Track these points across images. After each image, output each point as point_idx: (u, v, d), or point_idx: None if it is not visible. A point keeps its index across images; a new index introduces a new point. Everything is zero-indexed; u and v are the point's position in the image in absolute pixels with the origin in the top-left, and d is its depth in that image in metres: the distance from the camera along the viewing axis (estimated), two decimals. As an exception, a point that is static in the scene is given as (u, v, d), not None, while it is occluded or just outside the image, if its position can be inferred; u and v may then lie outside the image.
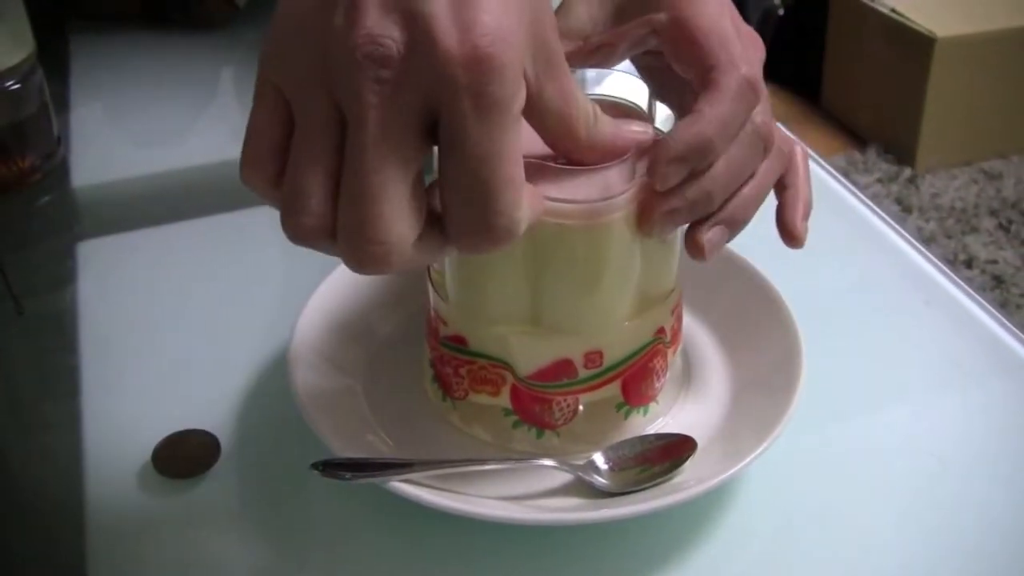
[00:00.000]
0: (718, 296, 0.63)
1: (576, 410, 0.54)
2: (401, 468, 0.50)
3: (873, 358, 0.65)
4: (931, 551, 0.53)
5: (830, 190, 0.81)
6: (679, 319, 0.57)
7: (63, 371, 0.65)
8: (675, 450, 0.53)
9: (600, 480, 0.52)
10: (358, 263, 0.40)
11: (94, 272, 0.73)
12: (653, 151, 0.47)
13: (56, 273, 0.74)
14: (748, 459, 0.50)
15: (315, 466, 0.50)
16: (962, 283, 0.70)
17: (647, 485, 0.52)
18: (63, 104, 0.92)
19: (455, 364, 0.55)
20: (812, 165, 0.81)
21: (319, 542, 0.53)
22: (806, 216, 0.57)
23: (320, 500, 0.54)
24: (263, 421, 0.59)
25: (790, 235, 0.56)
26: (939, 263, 0.72)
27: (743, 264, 0.63)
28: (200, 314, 0.68)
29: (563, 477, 0.53)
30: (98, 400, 0.62)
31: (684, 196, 0.48)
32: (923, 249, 0.73)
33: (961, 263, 2.29)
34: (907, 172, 2.57)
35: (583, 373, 0.53)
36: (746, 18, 0.68)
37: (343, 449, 0.51)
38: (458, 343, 0.54)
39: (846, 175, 0.78)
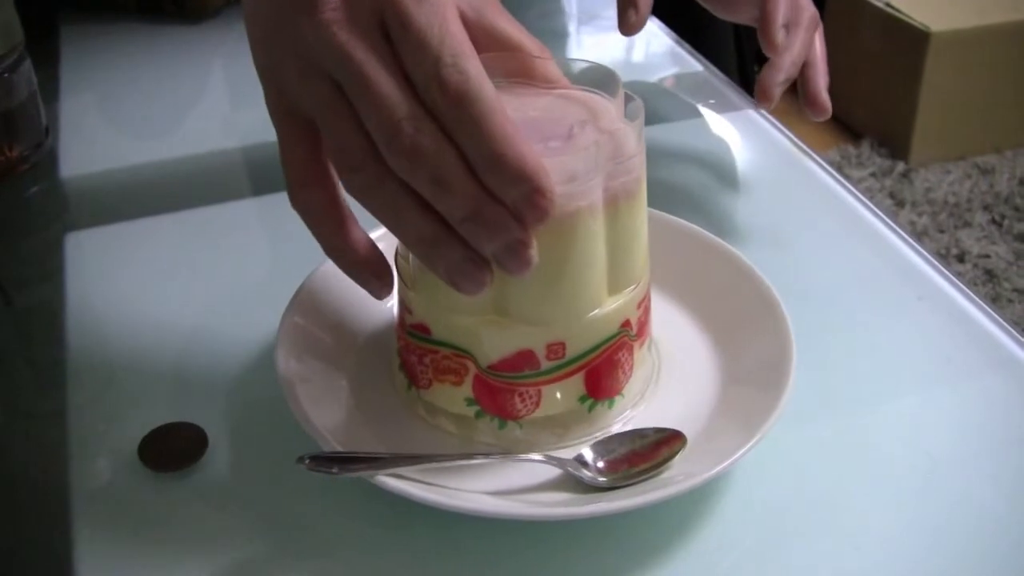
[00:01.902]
0: (707, 289, 0.63)
1: (539, 401, 0.53)
2: (388, 462, 0.50)
3: (864, 353, 0.64)
4: (922, 546, 0.52)
5: (823, 184, 0.80)
6: (646, 312, 0.56)
7: (49, 362, 0.65)
8: (664, 445, 0.53)
9: (589, 475, 0.52)
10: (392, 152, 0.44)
11: (82, 263, 0.73)
12: (769, 74, 0.71)
13: (44, 264, 0.74)
14: (738, 454, 0.50)
15: (302, 460, 0.50)
16: (954, 278, 0.70)
17: (636, 480, 0.51)
18: (52, 94, 0.92)
19: (419, 353, 0.54)
20: (806, 160, 0.82)
21: (306, 535, 0.52)
22: (826, 87, 0.74)
23: (307, 493, 0.54)
24: (250, 414, 0.59)
25: (820, 107, 0.73)
26: (931, 258, 0.72)
27: (733, 257, 0.63)
28: (188, 306, 0.68)
29: (551, 472, 0.53)
30: (84, 392, 0.61)
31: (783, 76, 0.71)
32: (915, 244, 0.73)
33: (953, 257, 2.30)
34: (900, 166, 2.58)
35: (546, 364, 0.52)
36: None
37: (329, 443, 0.51)
38: (422, 332, 0.54)
39: (839, 169, 0.78)
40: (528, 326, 0.52)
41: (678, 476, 0.51)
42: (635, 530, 0.52)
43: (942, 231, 2.38)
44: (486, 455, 0.53)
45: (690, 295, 0.63)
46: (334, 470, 0.50)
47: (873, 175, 2.56)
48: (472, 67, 0.43)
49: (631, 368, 0.55)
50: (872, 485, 0.56)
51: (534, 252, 0.44)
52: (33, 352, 0.67)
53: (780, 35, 0.72)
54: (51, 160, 0.83)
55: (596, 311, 0.52)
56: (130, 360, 0.64)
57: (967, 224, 2.40)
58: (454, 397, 0.54)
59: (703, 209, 0.77)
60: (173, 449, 0.56)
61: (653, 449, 0.53)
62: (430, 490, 0.49)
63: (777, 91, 0.72)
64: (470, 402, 0.54)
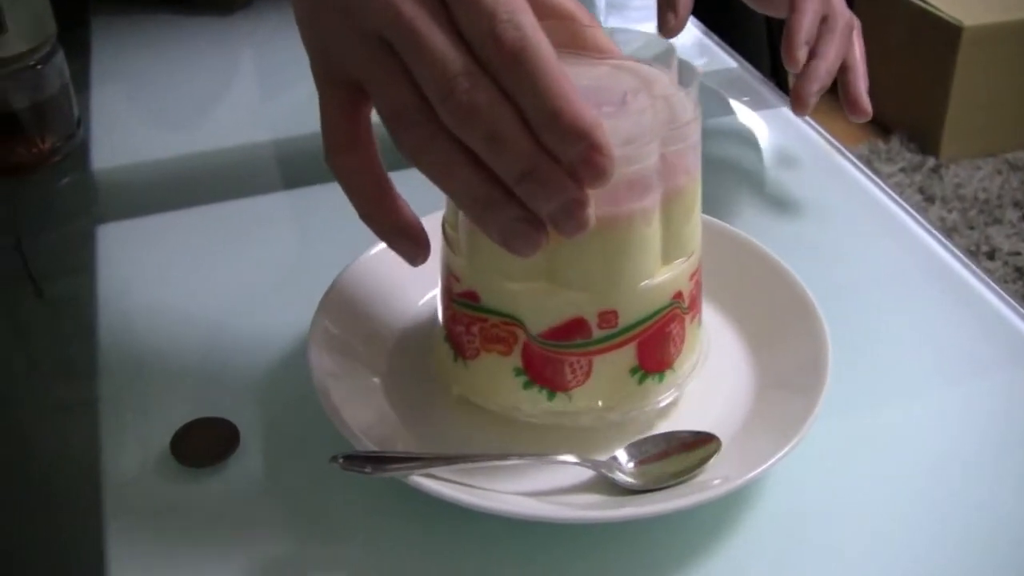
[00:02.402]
0: (742, 290, 0.62)
1: (589, 372, 0.53)
2: (422, 462, 0.50)
3: (893, 351, 0.64)
4: (956, 550, 0.52)
5: (858, 184, 0.80)
6: (698, 286, 0.55)
7: (80, 355, 0.65)
8: (699, 448, 0.52)
9: (623, 477, 0.51)
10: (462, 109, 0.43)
11: (113, 256, 0.73)
12: (804, 83, 0.72)
13: (75, 256, 0.74)
14: (772, 460, 0.50)
15: (335, 459, 0.49)
16: (984, 275, 0.69)
17: (670, 483, 0.51)
18: (83, 85, 0.92)
19: (467, 322, 0.54)
20: (840, 159, 0.81)
21: (337, 534, 0.52)
22: (866, 89, 0.76)
23: (339, 492, 0.54)
24: (282, 411, 0.59)
25: (861, 110, 0.75)
26: (961, 255, 0.71)
27: (768, 258, 0.63)
28: (220, 301, 0.68)
29: (584, 473, 0.52)
30: (116, 386, 0.61)
31: (818, 86, 0.73)
32: (945, 241, 0.73)
33: (983, 255, 2.28)
34: (931, 162, 2.56)
35: (597, 333, 0.51)
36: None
37: (363, 442, 0.51)
38: (471, 300, 0.53)
39: (869, 164, 0.78)
40: (581, 294, 0.50)
41: (712, 480, 0.51)
42: (667, 534, 0.52)
43: (972, 228, 2.36)
44: (520, 456, 0.52)
45: (725, 295, 0.62)
46: (367, 469, 0.49)
47: (903, 170, 2.54)
48: (528, 22, 0.42)
49: (682, 342, 0.54)
50: (905, 488, 0.55)
51: (591, 213, 0.43)
52: (64, 344, 0.67)
53: (802, 52, 0.73)
54: (83, 152, 0.83)
55: (649, 281, 0.51)
56: (161, 354, 0.64)
57: (997, 221, 2.38)
58: (502, 367, 0.53)
59: (737, 208, 0.76)
60: (205, 445, 0.56)
61: (687, 452, 0.52)
62: (463, 491, 0.49)
63: (813, 99, 0.73)
64: (518, 372, 0.53)
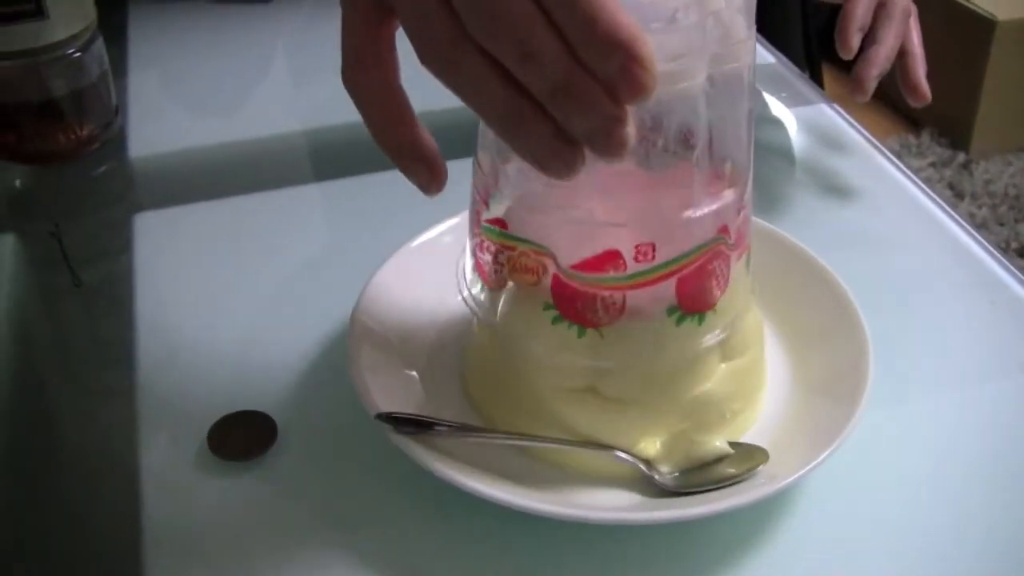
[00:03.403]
0: (782, 292, 0.61)
1: (623, 308, 0.49)
2: (468, 431, 0.51)
3: (927, 346, 0.64)
4: (1000, 546, 0.52)
5: (889, 176, 0.80)
6: (746, 221, 0.52)
7: (118, 346, 0.65)
8: (746, 457, 0.52)
9: (664, 478, 0.51)
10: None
11: (150, 245, 0.73)
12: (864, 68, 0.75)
13: (112, 245, 0.74)
14: (810, 466, 0.49)
15: (380, 417, 0.50)
16: (1018, 272, 0.69)
17: (707, 487, 0.51)
18: (121, 73, 0.92)
19: (495, 250, 0.52)
20: (872, 151, 0.81)
21: (376, 529, 0.52)
22: (925, 74, 0.78)
23: (378, 487, 0.54)
24: (321, 404, 0.59)
25: (921, 95, 0.78)
26: (995, 251, 0.71)
27: (809, 258, 0.62)
28: (258, 292, 0.68)
29: (620, 470, 0.52)
30: (153, 377, 0.61)
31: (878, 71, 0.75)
32: (980, 237, 0.72)
33: (1013, 251, 2.26)
34: (961, 157, 2.53)
35: (633, 267, 0.48)
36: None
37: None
38: (499, 226, 0.51)
39: (899, 158, 0.77)
40: (616, 223, 0.48)
41: (751, 484, 0.50)
42: (704, 536, 0.51)
43: (1002, 224, 2.34)
44: (557, 441, 0.52)
45: (765, 295, 0.62)
46: (411, 429, 0.50)
47: (932, 165, 2.52)
48: None
49: (726, 282, 0.51)
50: (944, 487, 0.55)
51: (631, 131, 0.39)
52: (101, 333, 0.67)
53: (856, 39, 0.75)
54: (120, 140, 0.83)
55: (691, 211, 0.48)
56: (198, 345, 0.64)
57: (1028, 217, 2.36)
58: (531, 300, 0.51)
59: (771, 203, 0.76)
60: (243, 438, 0.56)
61: (733, 460, 0.52)
62: (505, 491, 0.49)
63: (872, 84, 0.75)
64: (547, 307, 0.51)
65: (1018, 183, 2.45)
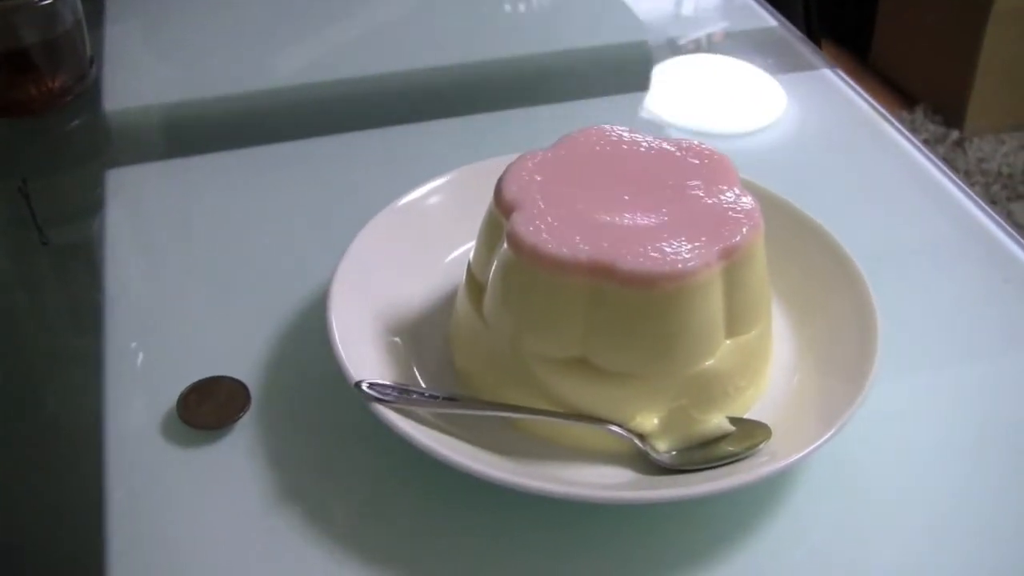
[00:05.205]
0: (790, 264, 0.58)
1: None
2: (447, 402, 0.49)
3: (938, 321, 0.62)
4: (1002, 530, 0.50)
5: (899, 148, 0.77)
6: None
7: (86, 307, 0.62)
8: (747, 436, 0.49)
9: (660, 456, 0.49)
10: None
11: (123, 202, 0.70)
12: None
13: (83, 202, 0.72)
14: (814, 445, 0.47)
15: (358, 385, 0.48)
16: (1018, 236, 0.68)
17: (704, 465, 0.48)
18: (97, 23, 0.89)
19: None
20: (875, 117, 0.78)
21: (350, 499, 0.50)
22: None
23: (356, 459, 0.51)
24: (299, 371, 0.56)
25: None
26: (1002, 221, 0.71)
27: (817, 227, 0.59)
28: (233, 253, 0.65)
29: (617, 444, 0.49)
30: (122, 340, 0.59)
31: None
32: (988, 208, 0.72)
33: (1005, 230, 2.25)
34: (954, 135, 2.52)
35: None
36: None
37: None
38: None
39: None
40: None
41: (751, 463, 0.48)
42: (701, 516, 0.49)
43: (994, 203, 2.32)
44: (552, 414, 0.50)
45: (771, 267, 0.59)
46: (390, 396, 0.48)
47: (926, 142, 2.49)
48: None
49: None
50: (954, 470, 0.53)
51: None
52: (69, 295, 0.65)
53: None
54: (95, 92, 0.81)
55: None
56: (170, 307, 0.61)
57: (1020, 196, 2.35)
58: None
59: (774, 170, 0.73)
60: (214, 405, 0.53)
61: (733, 438, 0.49)
62: (490, 465, 0.46)
63: None
64: None
65: (1012, 162, 2.44)
